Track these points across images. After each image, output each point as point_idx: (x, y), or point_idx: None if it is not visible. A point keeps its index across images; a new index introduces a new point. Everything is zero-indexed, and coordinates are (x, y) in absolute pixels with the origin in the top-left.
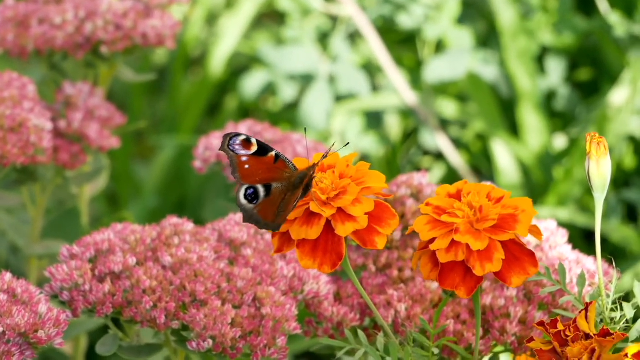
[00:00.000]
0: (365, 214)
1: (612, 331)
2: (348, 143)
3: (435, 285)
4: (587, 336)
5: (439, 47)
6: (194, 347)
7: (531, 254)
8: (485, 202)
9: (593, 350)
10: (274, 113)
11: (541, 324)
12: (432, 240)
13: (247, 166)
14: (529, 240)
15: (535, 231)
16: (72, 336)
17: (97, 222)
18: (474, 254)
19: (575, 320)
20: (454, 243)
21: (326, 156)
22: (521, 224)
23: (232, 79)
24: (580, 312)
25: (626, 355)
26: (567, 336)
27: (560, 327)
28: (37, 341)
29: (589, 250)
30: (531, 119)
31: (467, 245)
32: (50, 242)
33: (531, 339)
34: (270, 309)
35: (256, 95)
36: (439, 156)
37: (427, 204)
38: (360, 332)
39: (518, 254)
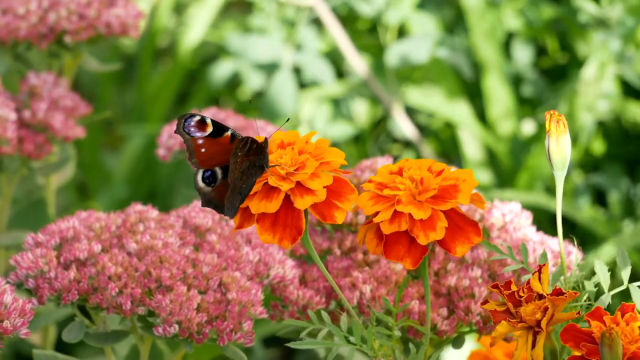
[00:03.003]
0: (324, 188)
1: (564, 290)
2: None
3: (399, 266)
4: (541, 296)
5: (402, 33)
6: (160, 332)
7: (474, 224)
8: (426, 174)
9: (546, 309)
10: (243, 102)
11: (495, 286)
12: (376, 215)
13: (203, 149)
14: (493, 222)
15: (477, 199)
16: (40, 326)
17: (65, 212)
18: (417, 223)
19: (529, 282)
20: (396, 214)
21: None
22: (462, 193)
23: (201, 68)
24: (533, 274)
25: (579, 312)
26: (521, 297)
27: (514, 288)
28: (3, 331)
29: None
30: (498, 93)
31: (410, 215)
32: (17, 232)
33: (485, 301)
34: (236, 293)
35: (224, 84)
36: (408, 144)
37: (370, 181)
38: (324, 313)
39: (461, 224)
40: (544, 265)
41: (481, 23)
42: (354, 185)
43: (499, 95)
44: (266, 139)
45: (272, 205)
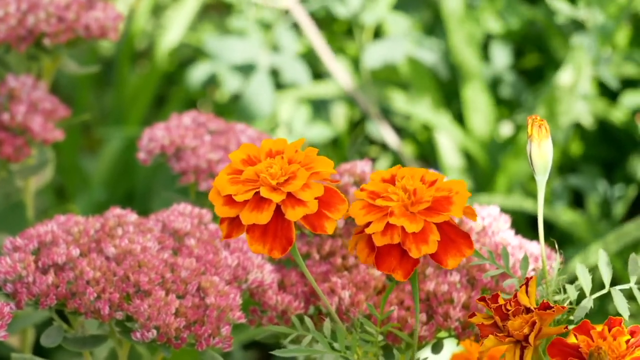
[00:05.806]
0: (315, 198)
1: (552, 304)
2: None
3: (378, 272)
4: (528, 310)
5: (378, 34)
6: (138, 337)
7: (466, 236)
8: (419, 185)
9: (534, 323)
10: (221, 104)
11: (482, 299)
12: (368, 225)
13: None
14: (472, 226)
15: (470, 212)
16: (18, 329)
17: (43, 215)
18: (409, 236)
19: (516, 295)
20: (389, 226)
21: None
22: (455, 206)
23: (179, 70)
24: (520, 287)
25: (566, 327)
26: (508, 310)
27: (501, 301)
28: None
29: (536, 236)
30: (478, 102)
31: (402, 228)
32: None
33: (473, 314)
34: (214, 298)
35: (201, 86)
36: (385, 146)
37: (362, 189)
38: (307, 319)
39: (453, 236)
40: (532, 278)
41: (461, 28)
42: (343, 195)
43: (479, 107)
44: None
45: (263, 217)
